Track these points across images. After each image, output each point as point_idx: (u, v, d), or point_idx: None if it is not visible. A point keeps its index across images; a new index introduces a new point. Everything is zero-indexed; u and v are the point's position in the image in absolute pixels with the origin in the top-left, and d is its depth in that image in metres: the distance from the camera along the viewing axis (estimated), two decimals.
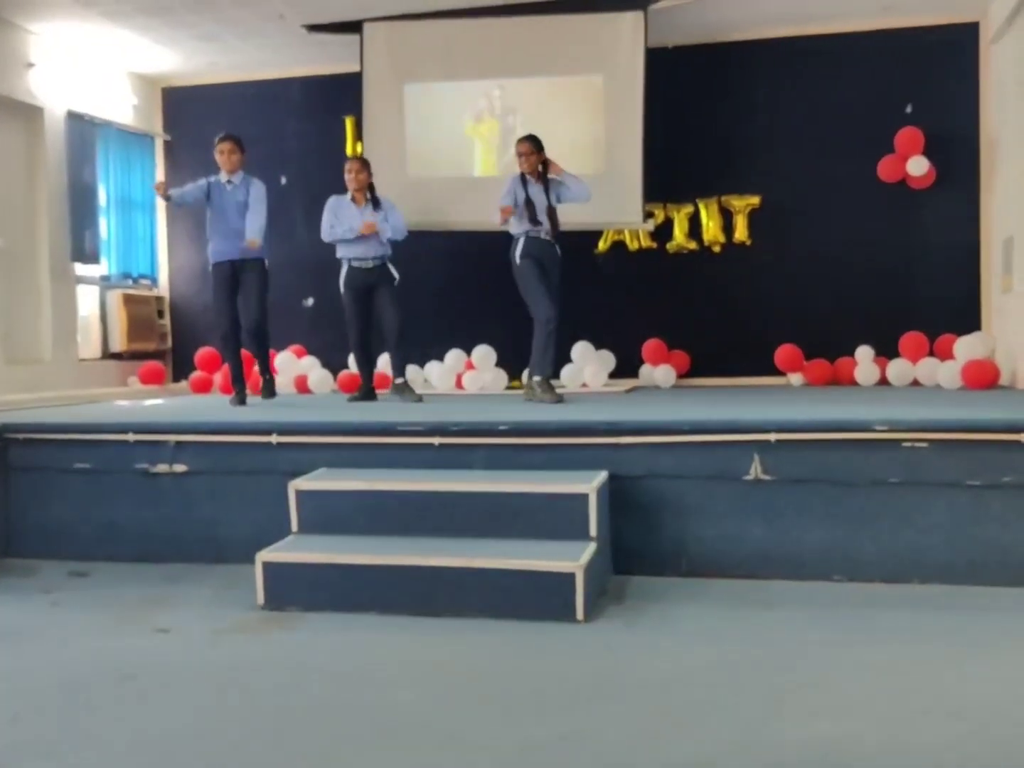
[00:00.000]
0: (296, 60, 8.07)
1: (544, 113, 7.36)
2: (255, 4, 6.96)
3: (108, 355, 8.16)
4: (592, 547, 3.55)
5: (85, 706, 2.68)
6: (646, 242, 7.78)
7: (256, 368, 6.40)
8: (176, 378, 8.58)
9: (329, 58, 7.90)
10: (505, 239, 5.97)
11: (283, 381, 7.41)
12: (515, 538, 3.66)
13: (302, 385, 7.61)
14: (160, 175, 8.58)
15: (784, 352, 7.32)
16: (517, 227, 5.88)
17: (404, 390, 6.17)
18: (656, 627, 3.34)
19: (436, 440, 4.21)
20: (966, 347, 6.66)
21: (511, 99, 7.48)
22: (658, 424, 4.08)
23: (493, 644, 3.17)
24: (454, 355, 7.59)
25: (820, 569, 3.87)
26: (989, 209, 7.27)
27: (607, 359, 7.54)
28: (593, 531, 3.64)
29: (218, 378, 7.69)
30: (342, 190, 6.34)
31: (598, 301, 7.67)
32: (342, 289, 6.27)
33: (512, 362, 7.12)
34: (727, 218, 7.67)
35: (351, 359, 7.53)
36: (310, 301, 8.33)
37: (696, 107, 7.66)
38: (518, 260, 5.84)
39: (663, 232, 7.74)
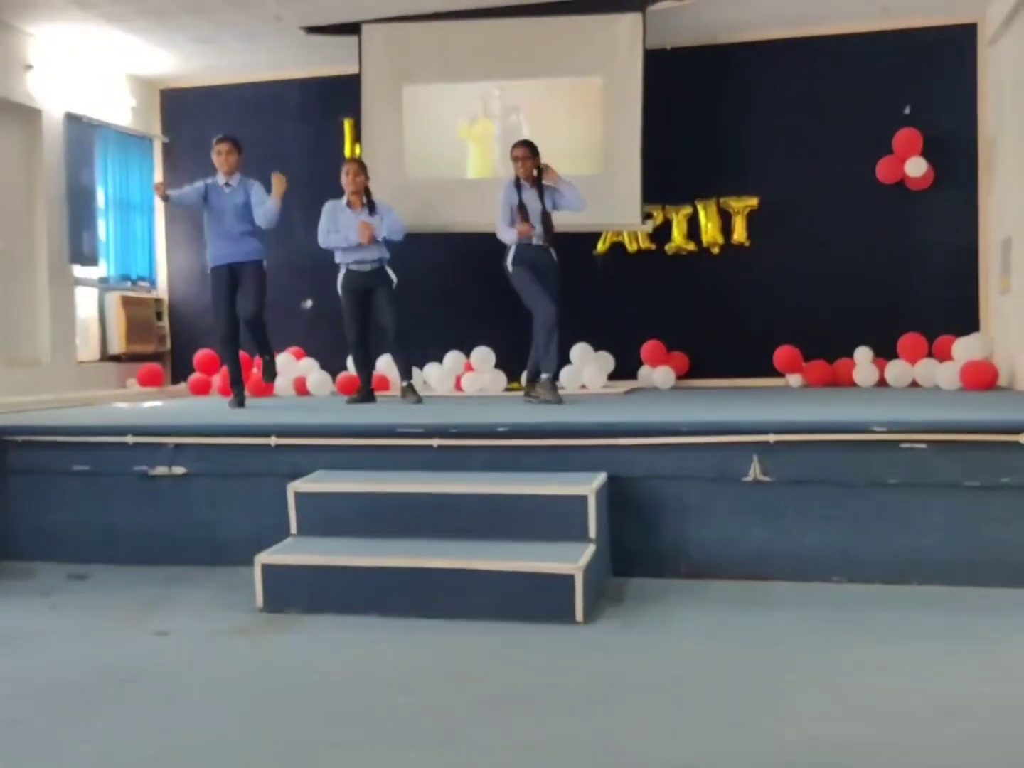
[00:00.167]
0: (294, 62, 8.07)
1: (543, 114, 7.37)
2: (253, 6, 6.96)
3: (107, 357, 8.15)
4: (591, 549, 3.55)
5: (84, 709, 2.68)
6: (645, 243, 7.78)
7: (255, 371, 6.38)
8: (175, 380, 8.58)
9: (327, 60, 7.89)
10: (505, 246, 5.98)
11: (282, 383, 7.41)
12: (514, 540, 3.66)
13: (301, 387, 7.61)
14: (158, 177, 8.57)
15: (783, 353, 7.32)
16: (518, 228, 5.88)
17: (407, 392, 6.17)
18: (655, 628, 3.33)
19: (435, 442, 4.21)
20: (964, 348, 6.67)
21: (510, 100, 7.47)
22: (657, 425, 4.08)
23: (492, 646, 3.17)
24: (453, 357, 7.59)
25: (819, 570, 3.87)
26: (987, 210, 7.27)
27: (606, 360, 7.54)
28: (592, 533, 3.64)
29: (217, 380, 7.68)
30: (340, 193, 6.34)
31: (597, 302, 7.68)
32: (340, 292, 6.27)
33: (511, 364, 7.12)
34: (726, 219, 7.68)
35: (350, 361, 7.53)
36: (309, 303, 8.33)
37: (695, 108, 7.67)
38: (510, 267, 5.86)
39: (662, 233, 7.74)
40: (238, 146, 5.95)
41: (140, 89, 8.54)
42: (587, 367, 7.35)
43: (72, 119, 7.67)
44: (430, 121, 7.59)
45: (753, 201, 7.61)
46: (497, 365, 7.47)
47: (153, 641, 3.31)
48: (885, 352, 7.15)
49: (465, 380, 7.48)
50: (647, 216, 7.49)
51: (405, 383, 6.22)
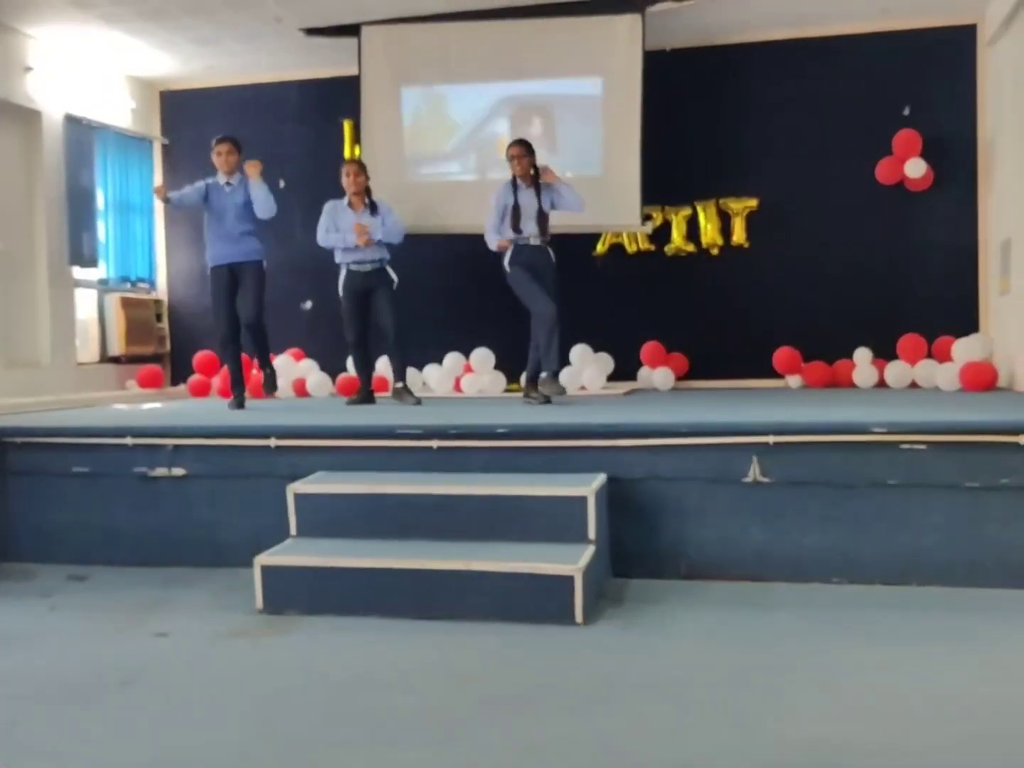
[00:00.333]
0: (294, 63, 8.07)
1: (542, 115, 7.38)
2: (252, 8, 6.96)
3: (106, 359, 8.15)
4: (591, 550, 3.55)
5: (84, 710, 2.68)
6: (644, 245, 7.78)
7: (255, 372, 6.39)
8: (174, 381, 8.58)
9: (327, 61, 7.90)
10: None
11: (281, 384, 7.38)
12: (514, 541, 3.66)
13: (300, 388, 7.61)
14: (158, 178, 8.58)
15: (782, 354, 7.32)
16: (506, 234, 5.90)
17: (403, 394, 6.17)
18: (655, 629, 3.33)
19: (435, 443, 4.21)
20: (964, 349, 6.67)
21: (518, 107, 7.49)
22: (657, 426, 4.08)
23: (492, 647, 3.17)
24: (452, 358, 7.59)
25: (819, 571, 3.87)
26: (986, 211, 7.28)
27: (605, 361, 7.54)
28: (592, 534, 3.64)
29: (216, 381, 7.68)
30: (340, 194, 6.34)
31: (596, 304, 7.68)
32: (341, 292, 6.27)
33: (510, 365, 7.12)
34: (725, 221, 7.68)
35: (349, 362, 7.53)
36: (308, 304, 8.33)
37: (694, 109, 7.67)
38: (507, 268, 5.88)
39: (661, 235, 7.74)
40: (238, 146, 5.95)
41: (140, 90, 8.54)
42: (587, 368, 7.35)
43: (72, 121, 7.67)
44: (429, 122, 7.60)
45: (752, 202, 7.61)
46: (497, 366, 7.47)
47: (153, 642, 3.31)
48: (885, 353, 7.15)
49: (464, 381, 7.48)
50: (646, 217, 7.49)
51: (400, 385, 6.21)
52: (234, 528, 4.30)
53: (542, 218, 5.85)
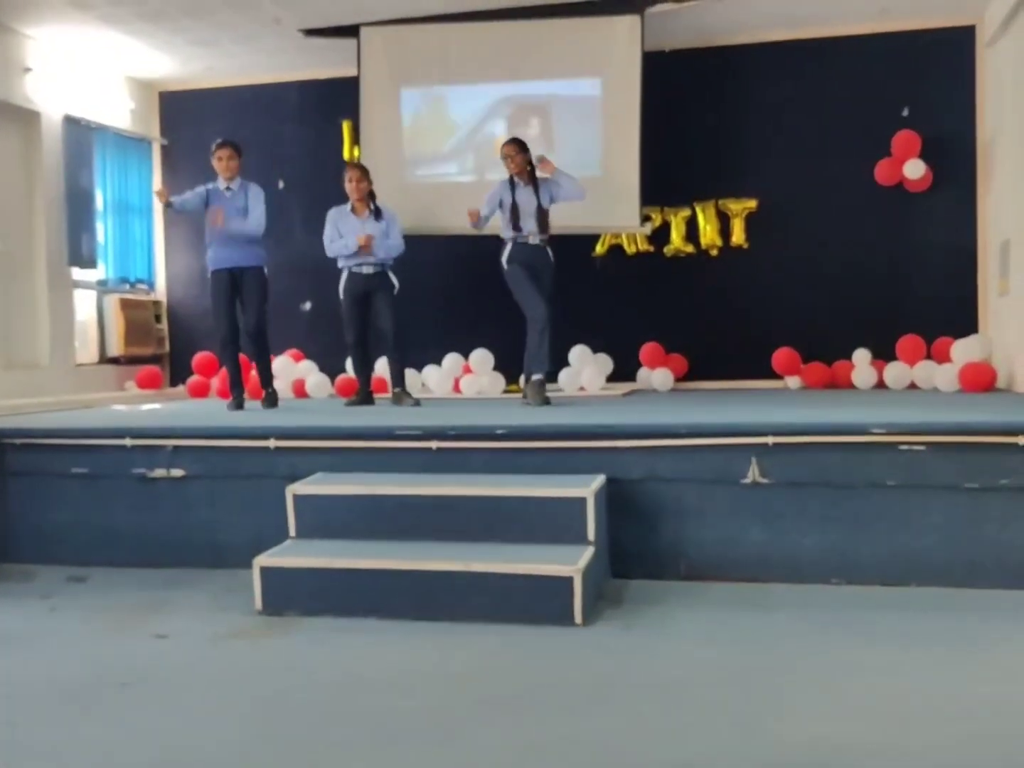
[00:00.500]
0: (293, 64, 8.07)
1: (540, 116, 7.38)
2: (252, 9, 6.96)
3: (105, 360, 8.15)
4: (590, 551, 3.55)
5: (84, 712, 2.68)
6: (643, 246, 7.78)
7: (254, 373, 6.38)
8: (174, 382, 8.58)
9: (326, 62, 7.90)
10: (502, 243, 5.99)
11: (281, 385, 7.38)
12: (513, 542, 3.66)
13: (300, 389, 7.61)
14: (157, 179, 8.58)
15: (781, 355, 7.32)
16: (505, 232, 5.91)
17: (401, 396, 6.17)
18: (654, 630, 3.33)
19: (434, 444, 4.21)
20: (963, 350, 6.67)
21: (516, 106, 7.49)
22: (656, 427, 4.08)
23: (491, 648, 3.17)
24: (451, 359, 7.59)
25: (818, 572, 3.87)
26: (986, 212, 7.28)
27: (605, 362, 7.54)
28: (591, 535, 3.64)
29: (216, 382, 7.68)
30: (340, 195, 6.33)
31: (596, 305, 7.68)
32: (341, 295, 6.26)
33: (510, 366, 7.11)
34: (724, 222, 7.68)
35: (348, 363, 7.53)
36: (307, 305, 8.33)
37: (693, 111, 7.68)
38: (505, 265, 5.90)
39: (660, 236, 7.74)
40: (238, 151, 5.95)
41: (139, 91, 8.54)
42: (586, 369, 7.35)
43: (71, 121, 7.67)
44: (429, 123, 7.60)
45: (752, 203, 7.61)
46: (496, 367, 7.47)
47: (152, 643, 3.31)
48: (884, 354, 7.15)
49: (464, 382, 7.48)
50: (646, 218, 7.50)
51: (397, 389, 6.21)
52: (233, 529, 4.30)
53: (541, 215, 5.85)
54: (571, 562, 3.40)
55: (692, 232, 7.72)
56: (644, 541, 3.99)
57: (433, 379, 7.54)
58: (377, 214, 6.22)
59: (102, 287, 8.18)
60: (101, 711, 2.68)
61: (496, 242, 6.06)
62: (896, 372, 7.04)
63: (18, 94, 7.25)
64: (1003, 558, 3.75)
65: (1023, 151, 6.35)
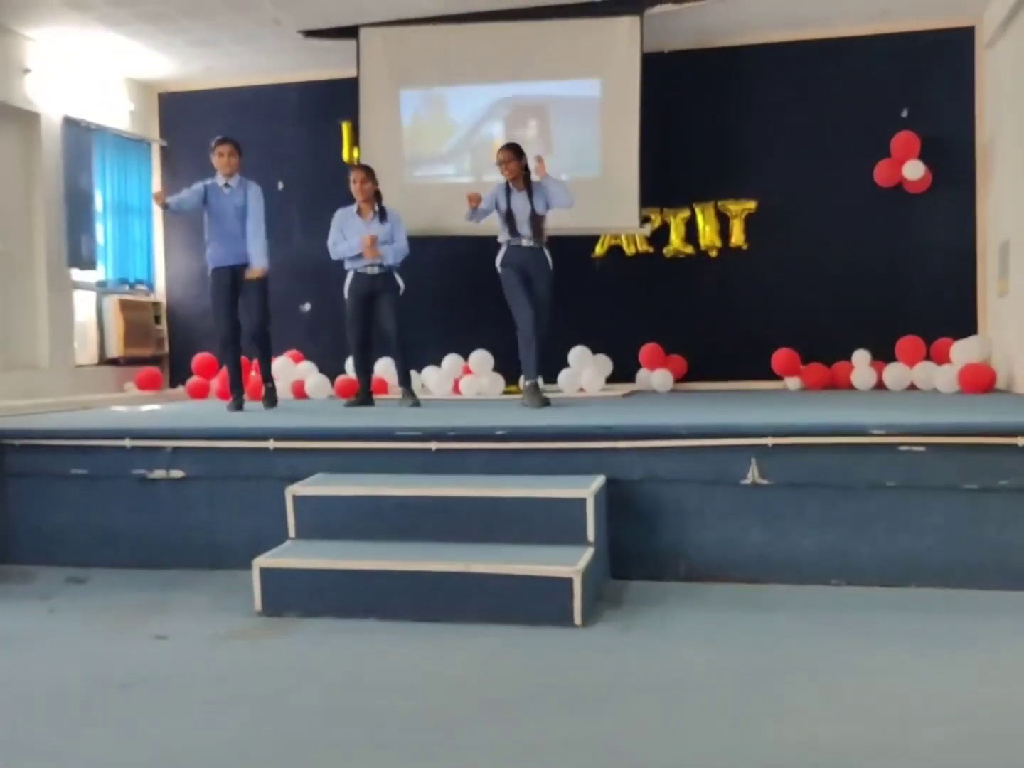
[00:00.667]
0: (293, 65, 8.08)
1: (538, 117, 7.39)
2: (251, 10, 6.97)
3: (105, 361, 8.16)
4: (590, 552, 3.55)
5: (83, 713, 2.68)
6: (643, 247, 7.79)
7: (254, 374, 6.39)
8: (173, 383, 8.58)
9: (326, 63, 7.91)
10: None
11: (280, 386, 7.36)
12: (513, 543, 3.66)
13: (299, 390, 7.61)
14: (157, 180, 8.59)
15: (781, 356, 7.33)
16: (501, 235, 5.93)
17: (404, 396, 6.17)
18: (654, 631, 3.33)
19: (433, 445, 4.21)
20: (962, 351, 6.68)
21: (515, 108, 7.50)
22: (655, 428, 4.08)
23: (491, 649, 3.17)
24: (451, 360, 7.60)
25: (818, 573, 3.87)
26: (985, 213, 7.29)
27: (604, 363, 7.55)
28: (591, 536, 3.64)
29: (215, 383, 7.69)
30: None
31: (595, 306, 7.69)
32: (346, 295, 6.24)
33: (509, 367, 7.11)
34: (723, 223, 7.69)
35: (348, 364, 7.54)
36: (307, 306, 8.34)
37: (692, 112, 7.69)
38: (500, 269, 5.91)
39: (660, 237, 7.75)
40: (239, 148, 5.94)
41: (138, 93, 8.55)
42: (585, 370, 7.36)
43: (70, 123, 7.68)
44: (428, 124, 7.60)
45: (751, 204, 7.62)
46: (495, 368, 7.48)
47: (152, 645, 3.31)
48: (883, 355, 7.16)
49: (463, 383, 7.48)
50: (645, 219, 7.51)
51: (403, 389, 6.22)
52: (233, 530, 4.30)
53: (535, 220, 5.86)
54: (571, 563, 3.40)
55: (691, 233, 7.72)
56: (644, 542, 3.99)
57: (433, 380, 7.54)
58: (382, 215, 6.20)
59: (101, 288, 8.19)
60: (101, 712, 2.68)
61: (495, 243, 6.06)
62: (895, 373, 7.05)
63: (18, 95, 7.26)
64: (1003, 559, 3.75)
65: (1022, 152, 6.35)
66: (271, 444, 4.34)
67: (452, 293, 7.82)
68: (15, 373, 7.20)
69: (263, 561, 3.65)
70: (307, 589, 3.59)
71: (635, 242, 7.79)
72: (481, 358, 7.47)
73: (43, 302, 7.52)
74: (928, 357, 7.05)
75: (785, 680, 2.82)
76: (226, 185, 5.91)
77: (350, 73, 7.60)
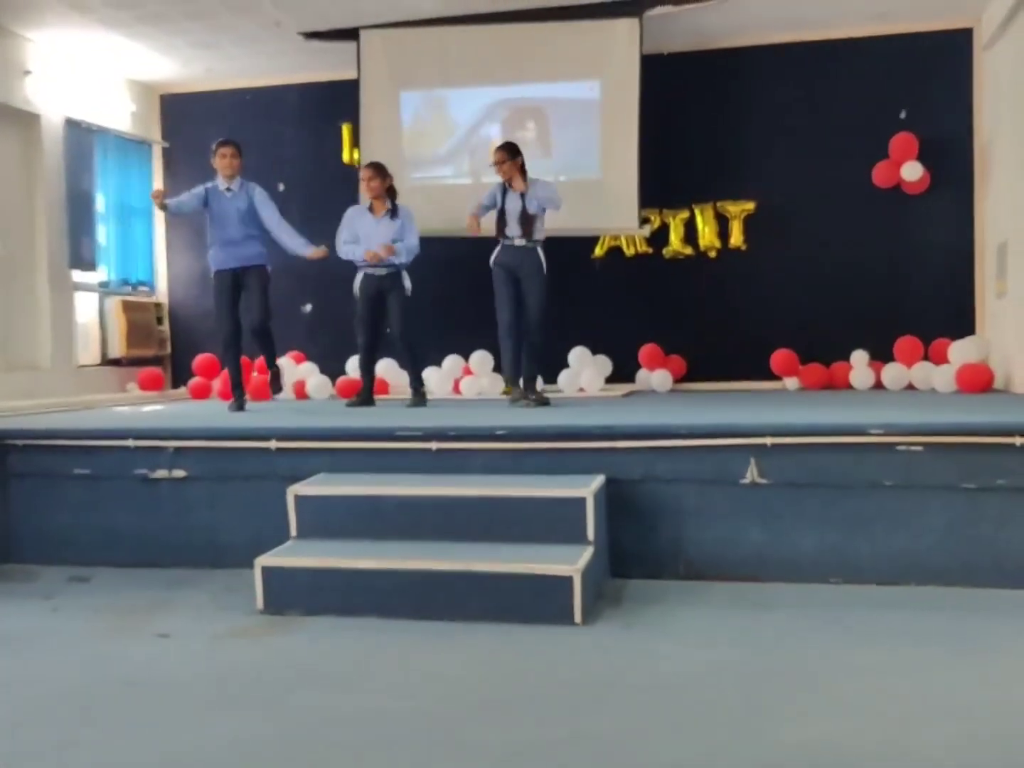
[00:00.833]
0: (293, 67, 8.10)
1: (536, 118, 7.41)
2: (252, 12, 6.99)
3: (107, 361, 8.17)
4: (589, 551, 3.57)
5: (86, 712, 2.69)
6: (642, 248, 7.81)
7: (255, 374, 6.40)
8: (175, 384, 8.60)
9: (326, 65, 7.92)
10: None
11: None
12: (513, 542, 3.68)
13: (301, 391, 7.62)
14: (158, 182, 8.60)
15: (780, 356, 7.34)
16: (496, 234, 5.97)
17: (412, 396, 6.19)
18: (654, 630, 3.35)
19: (434, 445, 4.23)
20: (960, 351, 6.70)
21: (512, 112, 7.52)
22: (655, 428, 4.10)
23: (491, 647, 3.19)
24: (452, 360, 7.62)
25: (817, 571, 3.89)
26: (983, 214, 7.30)
27: (604, 364, 7.57)
28: (591, 535, 3.66)
29: (217, 384, 7.70)
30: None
31: (595, 306, 7.71)
32: (355, 294, 6.26)
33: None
34: (723, 224, 7.70)
35: (349, 364, 7.55)
36: (308, 307, 8.36)
37: (691, 113, 7.70)
38: (492, 267, 5.95)
39: (659, 238, 7.77)
40: (240, 150, 5.95)
41: (140, 94, 8.56)
42: (585, 370, 7.38)
43: (72, 124, 7.69)
44: (428, 126, 7.62)
45: (750, 205, 7.64)
46: (495, 368, 7.47)
47: (154, 643, 3.33)
48: (881, 355, 7.17)
49: (464, 383, 7.50)
50: (644, 220, 7.52)
51: (412, 390, 6.25)
52: (234, 530, 4.33)
53: (525, 220, 5.89)
54: (571, 562, 3.42)
55: (691, 234, 7.74)
56: (643, 541, 4.01)
57: (433, 380, 7.56)
58: (393, 213, 6.17)
59: (103, 289, 8.20)
60: (103, 710, 2.69)
61: (494, 245, 6.08)
62: (894, 373, 7.07)
63: (19, 97, 7.27)
64: (1000, 558, 3.77)
65: (1020, 153, 6.37)
66: (273, 444, 4.36)
67: (452, 294, 7.82)
68: (17, 374, 7.22)
69: (265, 560, 3.67)
70: (308, 588, 3.61)
71: (635, 243, 7.81)
72: (481, 358, 7.49)
73: (45, 303, 7.53)
74: (926, 357, 7.07)
75: (784, 678, 2.83)
76: (227, 188, 5.92)
77: (350, 75, 7.61)
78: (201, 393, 7.85)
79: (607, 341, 7.61)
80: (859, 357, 7.21)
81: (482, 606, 3.43)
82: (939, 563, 3.81)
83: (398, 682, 2.88)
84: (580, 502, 3.67)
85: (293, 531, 3.95)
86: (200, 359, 7.98)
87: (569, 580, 3.36)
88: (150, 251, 8.69)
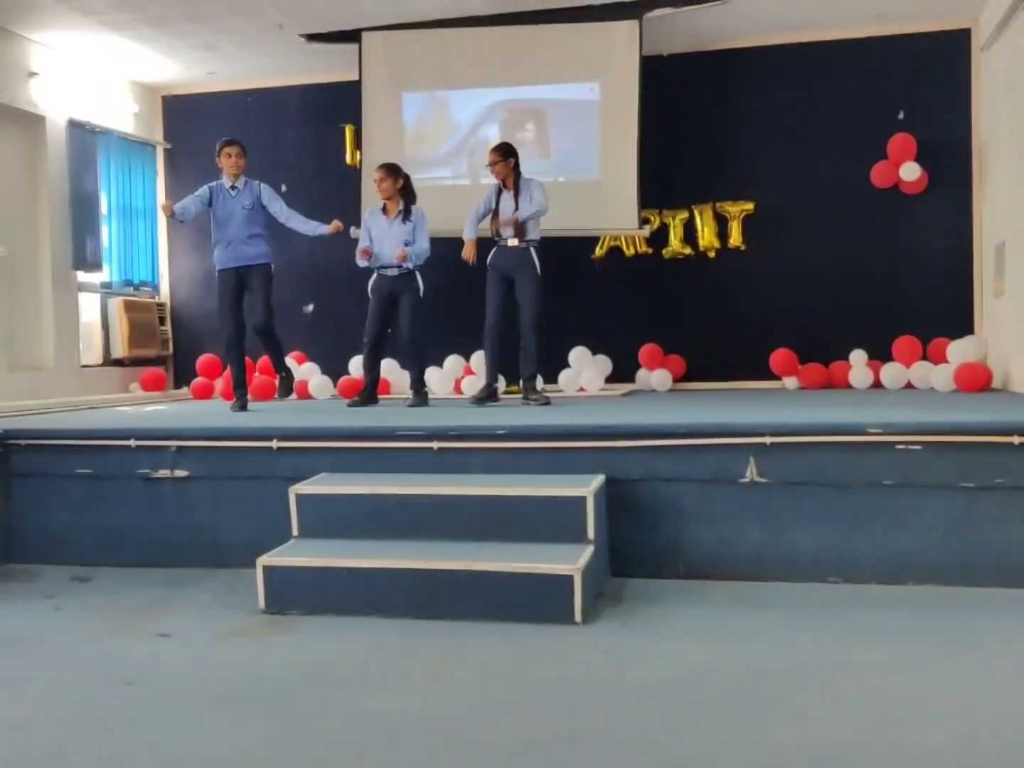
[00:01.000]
0: (295, 69, 8.12)
1: (535, 120, 7.44)
2: (254, 14, 7.01)
3: (110, 362, 8.19)
4: (590, 550, 3.59)
5: (88, 711, 2.70)
6: (642, 248, 7.83)
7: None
8: (177, 384, 8.62)
9: (328, 67, 7.95)
10: None
11: None
12: (514, 541, 3.69)
13: (302, 391, 7.64)
14: (161, 183, 8.63)
15: (779, 356, 7.36)
16: (492, 235, 6.02)
17: (415, 396, 6.21)
18: (654, 629, 3.36)
19: (435, 444, 4.25)
20: (959, 351, 6.71)
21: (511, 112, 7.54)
22: (655, 427, 4.12)
23: (492, 646, 3.20)
24: (453, 360, 7.64)
25: (815, 571, 3.90)
26: (981, 214, 7.32)
27: (604, 364, 7.58)
28: (591, 534, 3.67)
29: (219, 384, 7.72)
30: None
31: (595, 306, 7.73)
32: (369, 293, 6.27)
33: (510, 367, 7.14)
34: (722, 224, 7.72)
35: (351, 364, 7.57)
36: (310, 308, 8.37)
37: (691, 114, 7.72)
38: (488, 268, 5.99)
39: (659, 238, 7.79)
40: (244, 150, 5.97)
41: (143, 95, 8.59)
42: (585, 370, 7.40)
43: (75, 125, 7.72)
44: (429, 127, 7.64)
45: (749, 206, 7.66)
46: None
47: (156, 643, 3.34)
48: (880, 355, 7.19)
49: (465, 383, 7.52)
50: (644, 221, 7.54)
51: (412, 390, 6.26)
52: (236, 529, 4.34)
53: (516, 222, 5.92)
54: (571, 561, 3.43)
55: (690, 234, 7.76)
56: (643, 540, 4.03)
57: (435, 380, 7.58)
58: (406, 215, 6.16)
59: (106, 290, 8.23)
60: (105, 710, 2.70)
61: (494, 245, 6.11)
62: (892, 372, 7.08)
63: (23, 98, 7.30)
64: (998, 556, 3.78)
65: (1018, 153, 6.38)
66: (274, 444, 4.38)
67: (453, 294, 7.82)
68: (21, 374, 7.24)
69: (267, 559, 3.69)
70: (310, 587, 3.62)
71: (634, 243, 7.83)
72: (482, 359, 7.48)
73: (48, 303, 7.56)
74: (925, 357, 7.08)
75: (784, 677, 2.84)
76: (232, 187, 5.94)
77: (352, 76, 7.64)
78: (203, 393, 7.87)
79: (607, 341, 7.63)
80: (858, 356, 7.23)
81: (483, 605, 3.44)
82: (938, 562, 3.82)
83: (399, 681, 2.89)
84: (580, 501, 3.69)
85: (295, 530, 3.96)
86: (203, 359, 7.99)
87: (569, 579, 3.37)
88: (153, 252, 8.72)
